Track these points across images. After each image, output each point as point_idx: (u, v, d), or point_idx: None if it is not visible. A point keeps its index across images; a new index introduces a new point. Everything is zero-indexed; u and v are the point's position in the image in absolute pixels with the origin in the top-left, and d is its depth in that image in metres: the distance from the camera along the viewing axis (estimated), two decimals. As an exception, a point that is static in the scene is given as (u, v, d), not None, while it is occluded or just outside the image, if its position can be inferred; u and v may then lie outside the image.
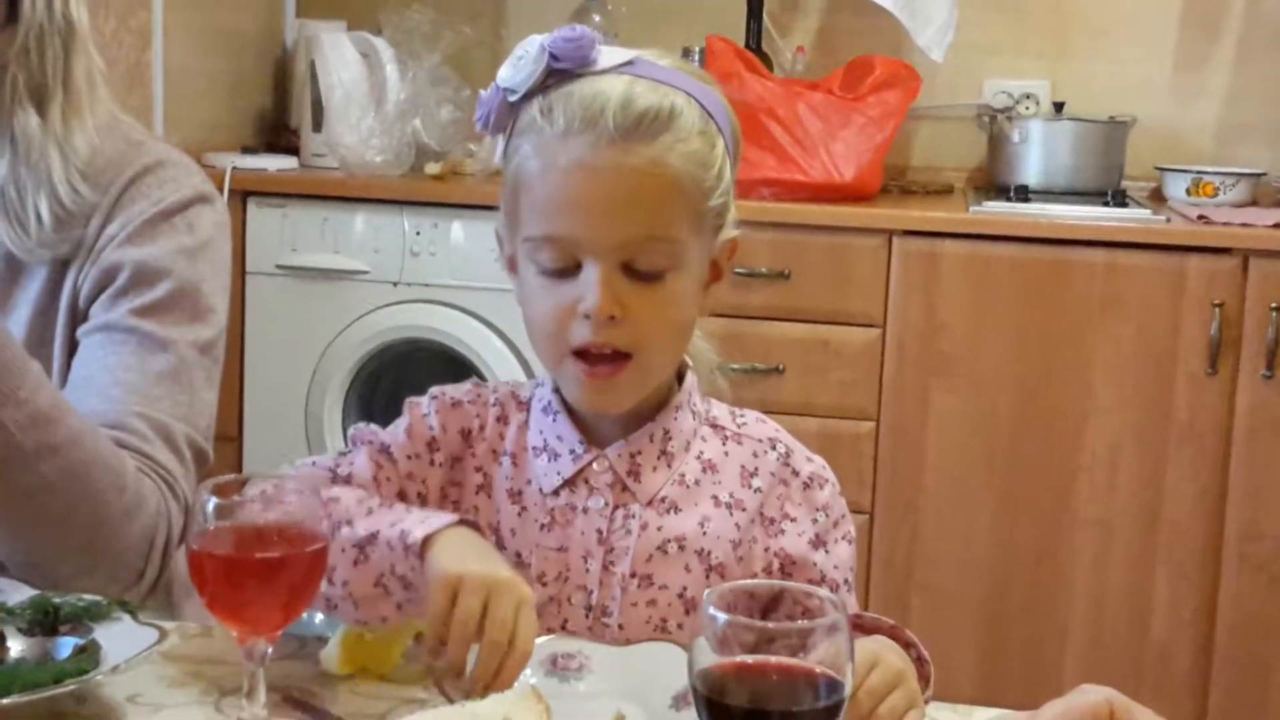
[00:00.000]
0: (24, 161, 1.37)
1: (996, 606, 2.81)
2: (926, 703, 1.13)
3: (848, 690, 0.91)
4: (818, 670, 0.90)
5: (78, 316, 1.41)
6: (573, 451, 1.26)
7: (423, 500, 1.28)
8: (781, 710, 0.90)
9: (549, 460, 1.26)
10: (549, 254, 1.20)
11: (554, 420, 1.27)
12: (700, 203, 1.21)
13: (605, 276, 1.18)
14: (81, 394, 1.34)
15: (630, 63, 1.22)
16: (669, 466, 1.27)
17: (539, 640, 1.17)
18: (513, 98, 1.22)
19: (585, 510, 1.25)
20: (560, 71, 1.21)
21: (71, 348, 1.40)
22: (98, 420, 1.32)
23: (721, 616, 0.90)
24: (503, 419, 1.30)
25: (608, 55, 1.22)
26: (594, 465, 1.26)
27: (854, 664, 0.92)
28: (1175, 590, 2.76)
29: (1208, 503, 2.73)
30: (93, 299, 1.40)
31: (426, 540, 1.12)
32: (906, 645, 1.17)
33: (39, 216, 1.37)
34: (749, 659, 0.90)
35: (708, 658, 0.91)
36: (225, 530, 1.04)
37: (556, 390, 1.28)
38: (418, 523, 1.13)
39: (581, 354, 1.21)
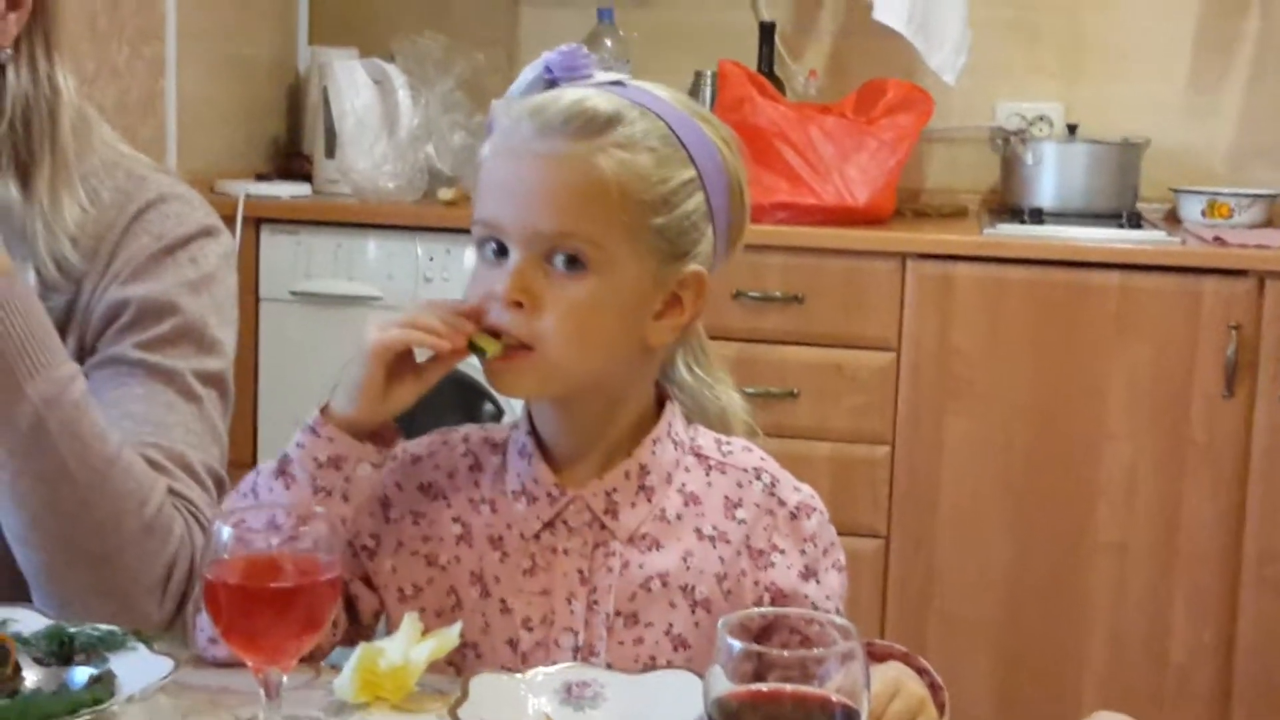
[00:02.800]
0: (8, 230, 1.38)
1: (1014, 631, 2.80)
2: (944, 729, 1.13)
3: (864, 718, 0.90)
4: (834, 699, 0.89)
5: (84, 353, 1.41)
6: (549, 494, 1.25)
7: (369, 553, 1.29)
8: (799, 739, 0.90)
9: (527, 504, 1.26)
10: (484, 238, 1.23)
11: (529, 463, 1.27)
12: (634, 216, 1.20)
13: (520, 264, 1.19)
14: None
15: (619, 83, 1.24)
16: (649, 501, 1.25)
17: (553, 669, 1.17)
18: (505, 104, 1.25)
19: (565, 551, 1.25)
20: (553, 83, 1.24)
21: None
22: None
23: (737, 644, 0.89)
24: (476, 466, 1.30)
25: (601, 75, 1.25)
26: (570, 506, 1.25)
27: (870, 692, 0.91)
28: (1194, 613, 2.74)
29: (1226, 525, 2.72)
30: (99, 335, 1.40)
31: (324, 409, 1.21)
32: (920, 671, 1.16)
33: (40, 273, 1.38)
34: (765, 687, 0.89)
35: (723, 685, 0.90)
36: (240, 559, 1.03)
37: (531, 432, 1.28)
38: (307, 418, 1.22)
39: (493, 335, 1.21)
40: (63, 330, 1.40)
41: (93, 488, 1.26)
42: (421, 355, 1.22)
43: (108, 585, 1.28)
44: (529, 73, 1.25)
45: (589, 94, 1.22)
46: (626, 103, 1.22)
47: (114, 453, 1.28)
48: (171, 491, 1.33)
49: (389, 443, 1.24)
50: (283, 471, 1.22)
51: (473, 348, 1.21)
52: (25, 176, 1.38)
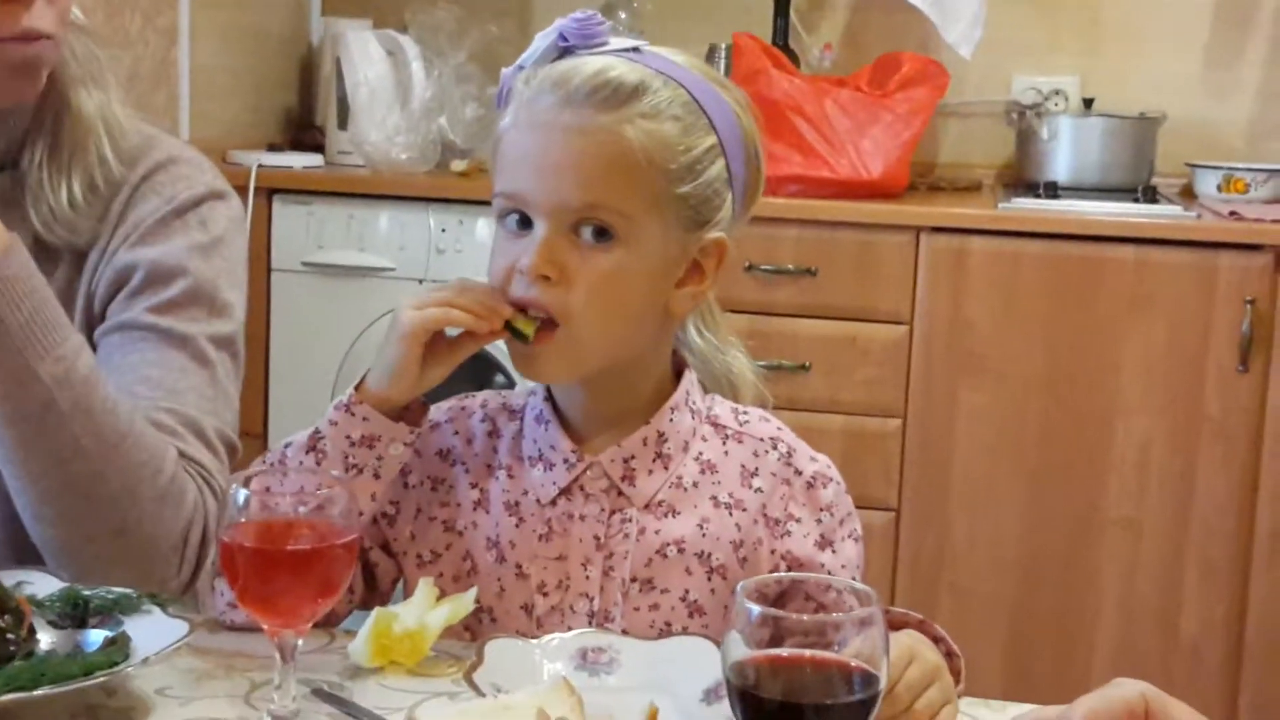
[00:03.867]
0: (70, 142, 1.38)
1: (1025, 605, 2.80)
2: (959, 697, 1.12)
3: (882, 684, 0.90)
4: (852, 664, 0.89)
5: (93, 317, 1.40)
6: (566, 460, 1.25)
7: (389, 520, 1.29)
8: (816, 703, 0.90)
9: (544, 470, 1.26)
10: (506, 209, 1.22)
11: (546, 429, 1.27)
12: (660, 185, 1.20)
13: (547, 237, 1.19)
14: None
15: (635, 49, 1.24)
16: (665, 469, 1.25)
17: (569, 634, 1.17)
18: (519, 73, 1.24)
19: (582, 517, 1.25)
20: (568, 50, 1.22)
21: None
22: None
23: (755, 609, 0.89)
24: (494, 432, 1.30)
25: (616, 41, 1.24)
26: (588, 472, 1.25)
27: (889, 658, 0.91)
28: (1205, 589, 2.74)
29: (1239, 501, 2.71)
30: (108, 300, 1.40)
31: (359, 386, 1.21)
32: (935, 639, 1.16)
33: (71, 198, 1.38)
34: (783, 652, 0.89)
35: (741, 651, 0.90)
36: (256, 522, 1.03)
37: (549, 398, 1.28)
38: (342, 394, 1.22)
39: (519, 309, 1.20)
40: (70, 289, 1.40)
41: (107, 461, 1.26)
42: (451, 331, 1.22)
43: (125, 555, 1.28)
44: (542, 40, 1.24)
45: (612, 63, 1.21)
46: (650, 71, 1.21)
47: (125, 425, 1.28)
48: (184, 456, 1.33)
49: (417, 420, 1.24)
50: (314, 447, 1.22)
51: (509, 329, 1.20)
52: (95, 85, 1.40)
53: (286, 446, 1.24)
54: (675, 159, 1.20)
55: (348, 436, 1.21)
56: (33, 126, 1.40)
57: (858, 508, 1.32)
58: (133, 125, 1.45)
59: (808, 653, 0.89)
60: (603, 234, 1.19)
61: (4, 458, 1.27)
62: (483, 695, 1.06)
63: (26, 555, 1.31)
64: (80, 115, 1.39)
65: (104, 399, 1.27)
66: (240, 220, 1.49)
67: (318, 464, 1.21)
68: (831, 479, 1.28)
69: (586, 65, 1.20)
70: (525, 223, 1.21)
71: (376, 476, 1.22)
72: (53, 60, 1.36)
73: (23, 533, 1.31)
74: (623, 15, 3.19)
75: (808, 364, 2.82)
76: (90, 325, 1.40)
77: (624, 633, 1.21)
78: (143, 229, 1.40)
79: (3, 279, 1.22)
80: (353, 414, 1.21)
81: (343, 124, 3.15)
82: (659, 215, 1.21)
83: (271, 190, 3.00)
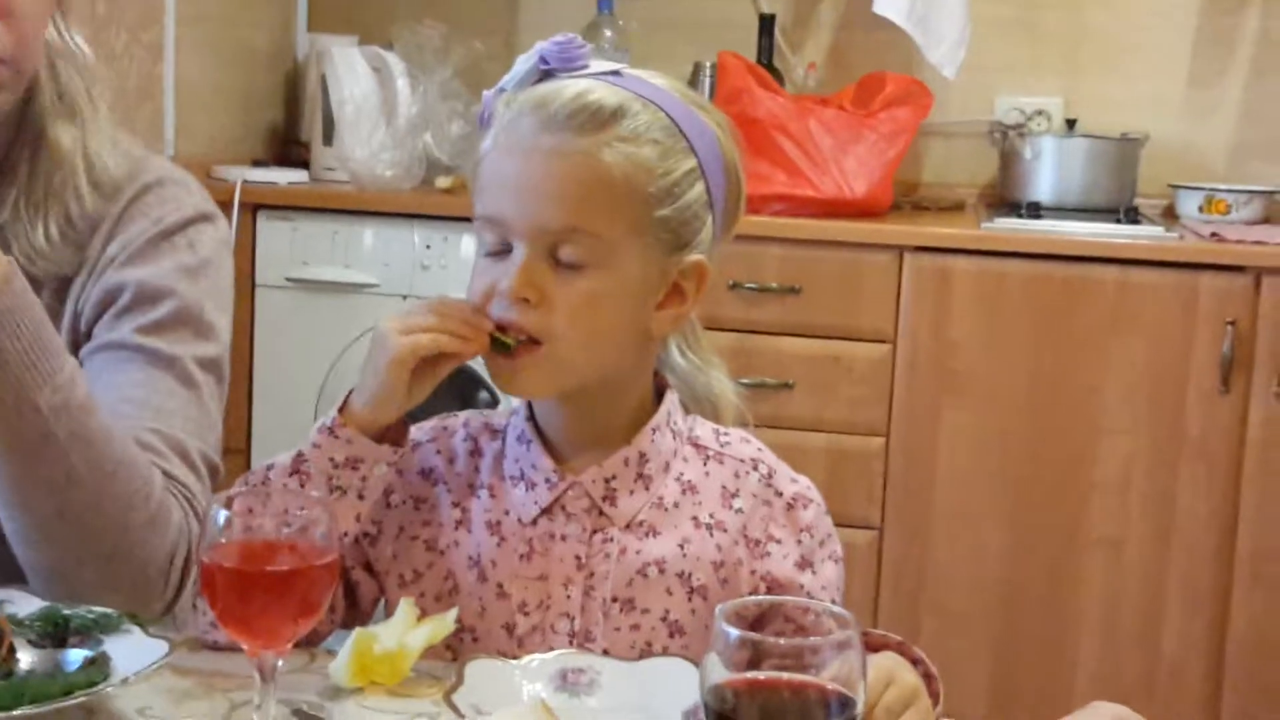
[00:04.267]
0: (45, 179, 1.38)
1: (1007, 624, 2.80)
2: (938, 719, 1.13)
3: (860, 707, 0.90)
4: (830, 687, 0.89)
5: (79, 337, 1.40)
6: (548, 480, 1.25)
7: (370, 540, 1.29)
8: (794, 727, 0.90)
9: (526, 490, 1.26)
10: (486, 234, 1.22)
11: (528, 449, 1.27)
12: (640, 208, 1.20)
13: (527, 260, 1.19)
14: None
15: (615, 72, 1.24)
16: (646, 489, 1.26)
17: (549, 655, 1.17)
18: (500, 95, 1.24)
19: (564, 537, 1.25)
20: (549, 73, 1.23)
21: None
22: None
23: (734, 632, 0.89)
24: (476, 451, 1.30)
25: (597, 65, 1.25)
26: (569, 492, 1.25)
27: (867, 681, 0.91)
28: (1187, 608, 2.75)
29: (1220, 521, 2.72)
30: (95, 319, 1.40)
31: (343, 408, 1.21)
32: (914, 661, 1.16)
33: (47, 234, 1.37)
34: (761, 675, 0.89)
35: (719, 673, 0.90)
36: (236, 543, 1.03)
37: (530, 418, 1.28)
38: (324, 417, 1.22)
39: (499, 330, 1.20)
40: (56, 310, 1.40)
41: (101, 489, 1.26)
42: None
43: (114, 579, 1.28)
44: (523, 64, 1.24)
45: (592, 86, 1.21)
46: (629, 95, 1.22)
47: (120, 451, 1.28)
48: (168, 476, 1.33)
49: (400, 440, 1.25)
50: (297, 469, 1.22)
51: (492, 341, 1.20)
52: (73, 118, 1.40)
53: (269, 468, 1.24)
54: (654, 182, 1.21)
55: (331, 459, 1.21)
56: (6, 162, 1.40)
57: (840, 526, 1.33)
58: (120, 149, 1.45)
59: (785, 676, 0.89)
60: (580, 257, 1.19)
61: None
62: (462, 716, 1.06)
63: (8, 573, 1.31)
64: (57, 150, 1.39)
65: (100, 426, 1.27)
66: (227, 242, 1.49)
67: (301, 486, 1.21)
68: (812, 500, 1.28)
69: (566, 88, 1.21)
70: (505, 245, 1.21)
71: (360, 497, 1.23)
72: (13, 86, 1.36)
73: (5, 551, 1.31)
74: (608, 34, 3.20)
75: (791, 382, 2.82)
76: (76, 345, 1.40)
77: (605, 653, 1.21)
78: (130, 250, 1.40)
79: (2, 310, 1.21)
80: (336, 436, 1.21)
81: (328, 140, 3.15)
82: (638, 238, 1.21)
83: (256, 206, 3.00)
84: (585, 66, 1.24)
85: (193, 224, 1.44)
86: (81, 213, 1.39)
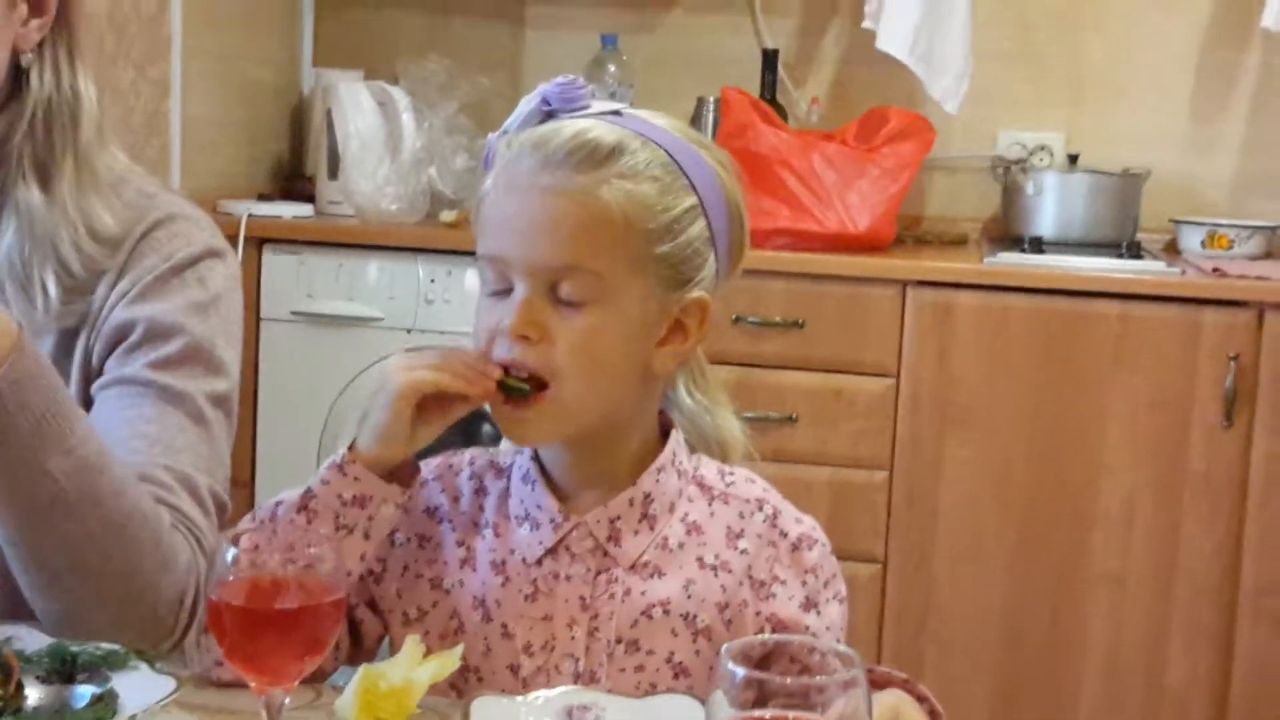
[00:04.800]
0: (29, 235, 1.37)
1: (1010, 659, 2.80)
2: (943, 757, 1.13)
3: (865, 746, 0.90)
4: (836, 726, 0.89)
5: (90, 375, 1.41)
6: (553, 520, 1.26)
7: (375, 578, 1.29)
8: (800, 766, 0.90)
9: (531, 530, 1.26)
10: (488, 273, 1.23)
11: (532, 489, 1.27)
12: (639, 245, 1.21)
13: (527, 298, 1.20)
14: None
15: (616, 112, 1.25)
16: (651, 530, 1.26)
17: (554, 691, 1.17)
18: (502, 137, 1.25)
19: (568, 578, 1.25)
20: (551, 114, 1.24)
21: (86, 405, 1.40)
22: None
23: (740, 671, 0.90)
24: (480, 490, 1.30)
25: (598, 105, 1.26)
26: (574, 533, 1.25)
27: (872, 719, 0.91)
28: (1191, 644, 2.74)
29: (1224, 556, 2.72)
30: (105, 355, 1.40)
31: (351, 447, 1.22)
32: (920, 699, 1.16)
33: (45, 288, 1.37)
34: (767, 714, 0.90)
35: (725, 713, 0.90)
36: (244, 580, 1.04)
37: (535, 458, 1.28)
38: (334, 454, 1.23)
39: (504, 370, 1.21)
40: (69, 347, 1.40)
41: (112, 542, 1.26)
42: None
43: (126, 621, 1.28)
44: (525, 105, 1.25)
45: (590, 125, 1.22)
46: (628, 133, 1.22)
47: (131, 504, 1.28)
48: (176, 511, 1.33)
49: (409, 481, 1.25)
50: (305, 506, 1.22)
51: (502, 387, 1.21)
52: (46, 180, 1.38)
53: (278, 505, 1.24)
54: (654, 219, 1.21)
55: (339, 496, 1.22)
56: None
57: (843, 560, 1.33)
58: (128, 192, 1.44)
59: (792, 715, 0.89)
60: (582, 294, 1.20)
61: (8, 541, 1.27)
62: (468, 754, 1.06)
63: (22, 608, 1.31)
64: (33, 219, 1.37)
65: (111, 482, 1.26)
66: (237, 279, 1.49)
67: (308, 523, 1.21)
68: (817, 541, 1.28)
69: (565, 128, 1.22)
70: (507, 284, 1.22)
71: (366, 537, 1.23)
72: None
73: (14, 586, 1.31)
74: (612, 69, 3.22)
75: (795, 415, 2.83)
76: (88, 381, 1.41)
77: (609, 693, 1.21)
78: (141, 286, 1.40)
79: (14, 383, 1.21)
80: (345, 473, 1.22)
81: (333, 174, 3.17)
82: (638, 275, 1.22)
83: (262, 240, 3.02)
84: (587, 107, 1.25)
85: (203, 260, 1.44)
86: (81, 263, 1.38)
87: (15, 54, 1.38)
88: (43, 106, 1.39)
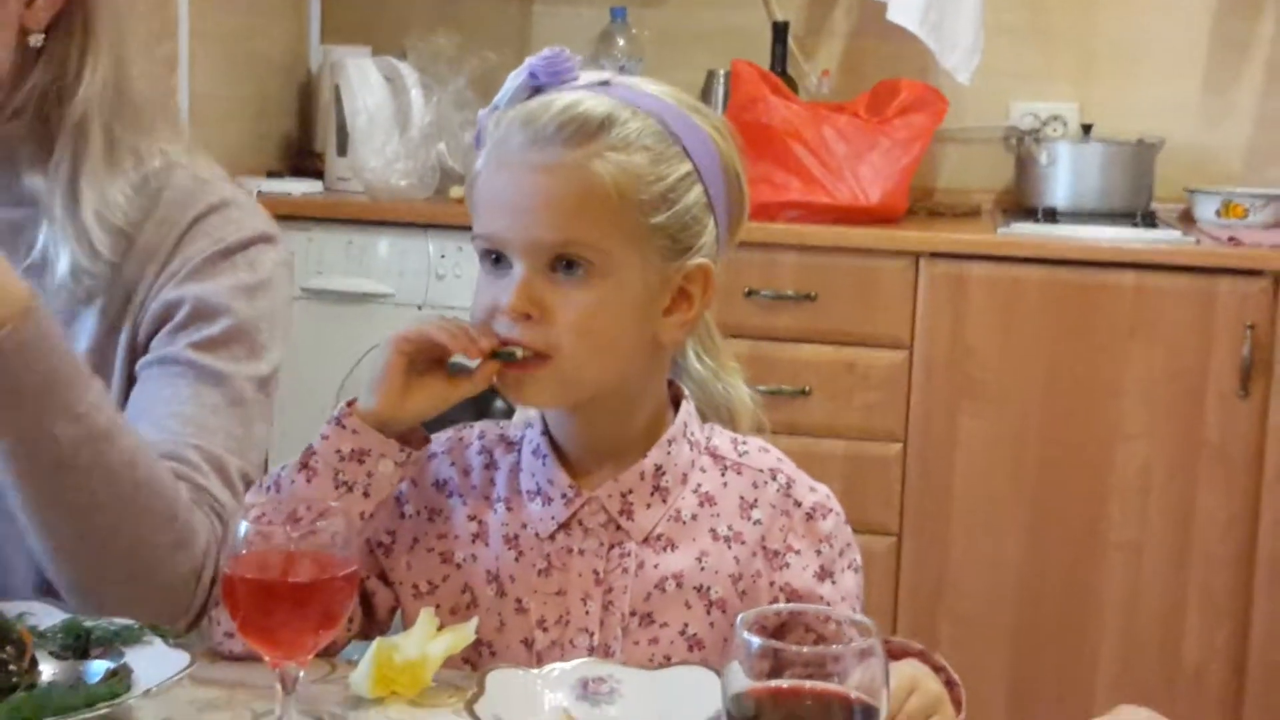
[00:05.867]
0: (37, 222, 1.38)
1: (1026, 631, 2.79)
2: (961, 726, 1.12)
3: (883, 715, 0.90)
4: (853, 695, 0.89)
5: (136, 351, 1.41)
6: (564, 495, 1.25)
7: (385, 550, 1.29)
8: (817, 735, 0.89)
9: (543, 504, 1.26)
10: (484, 251, 1.23)
11: (543, 464, 1.26)
12: (634, 216, 1.20)
13: (526, 276, 1.19)
14: (138, 424, 1.34)
15: (605, 83, 1.24)
16: (664, 502, 1.25)
17: (569, 665, 1.17)
18: (493, 113, 1.24)
19: (581, 552, 1.25)
20: (539, 88, 1.23)
21: (130, 383, 1.40)
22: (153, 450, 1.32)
23: (756, 641, 0.89)
24: (491, 465, 1.30)
25: (587, 76, 1.25)
26: (586, 507, 1.25)
27: (889, 689, 0.91)
28: (1207, 614, 2.74)
29: (1240, 526, 2.71)
30: (152, 334, 1.40)
31: (350, 403, 1.21)
32: (936, 669, 1.16)
33: (54, 266, 1.37)
34: (784, 683, 0.89)
35: (741, 682, 0.90)
36: (258, 554, 1.03)
37: (545, 432, 1.28)
38: (332, 414, 1.23)
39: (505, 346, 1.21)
40: (115, 325, 1.40)
41: (122, 514, 1.26)
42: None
43: (140, 597, 1.28)
44: (513, 80, 1.24)
45: (579, 98, 1.21)
46: (618, 103, 1.21)
47: (143, 475, 1.27)
48: (205, 492, 1.33)
49: (416, 446, 1.24)
50: (305, 464, 1.22)
51: (497, 355, 1.20)
52: (46, 167, 1.38)
53: (282, 469, 1.24)
54: (647, 189, 1.20)
55: (338, 450, 1.21)
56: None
57: (858, 533, 1.32)
58: (188, 164, 1.44)
59: (808, 684, 0.89)
60: (579, 269, 1.19)
61: (19, 506, 1.27)
62: (483, 726, 1.06)
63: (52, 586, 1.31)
64: (38, 199, 1.36)
65: (122, 451, 1.26)
66: (288, 264, 1.49)
67: (309, 481, 1.21)
68: (831, 510, 1.28)
69: (554, 102, 1.20)
70: (504, 263, 1.21)
71: (366, 495, 1.22)
72: None
73: (30, 564, 1.31)
74: (621, 43, 3.20)
75: (808, 389, 2.82)
76: (133, 360, 1.40)
77: (624, 663, 1.21)
78: (190, 267, 1.40)
79: (18, 344, 1.21)
80: (344, 426, 1.21)
81: (342, 151, 3.16)
82: (636, 246, 1.21)
83: (271, 217, 3.00)
84: (575, 79, 1.24)
85: (253, 244, 1.44)
86: (87, 244, 1.37)
87: (25, 34, 1.37)
88: (41, 89, 1.38)
